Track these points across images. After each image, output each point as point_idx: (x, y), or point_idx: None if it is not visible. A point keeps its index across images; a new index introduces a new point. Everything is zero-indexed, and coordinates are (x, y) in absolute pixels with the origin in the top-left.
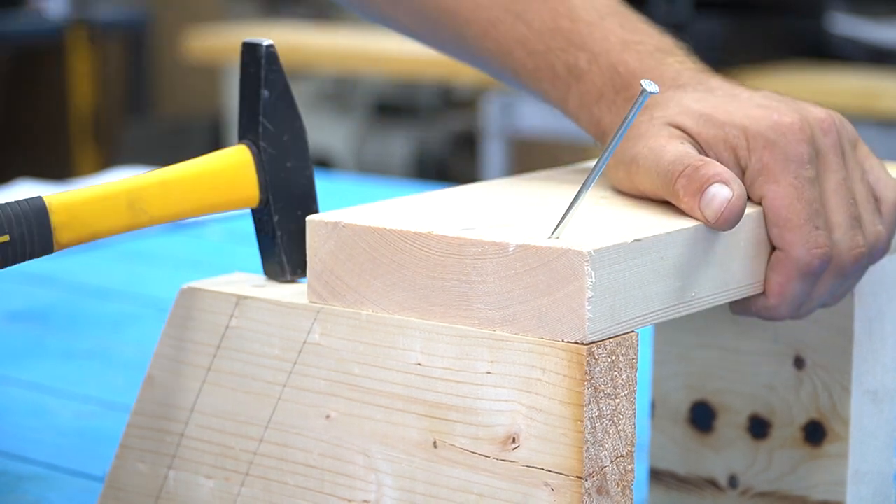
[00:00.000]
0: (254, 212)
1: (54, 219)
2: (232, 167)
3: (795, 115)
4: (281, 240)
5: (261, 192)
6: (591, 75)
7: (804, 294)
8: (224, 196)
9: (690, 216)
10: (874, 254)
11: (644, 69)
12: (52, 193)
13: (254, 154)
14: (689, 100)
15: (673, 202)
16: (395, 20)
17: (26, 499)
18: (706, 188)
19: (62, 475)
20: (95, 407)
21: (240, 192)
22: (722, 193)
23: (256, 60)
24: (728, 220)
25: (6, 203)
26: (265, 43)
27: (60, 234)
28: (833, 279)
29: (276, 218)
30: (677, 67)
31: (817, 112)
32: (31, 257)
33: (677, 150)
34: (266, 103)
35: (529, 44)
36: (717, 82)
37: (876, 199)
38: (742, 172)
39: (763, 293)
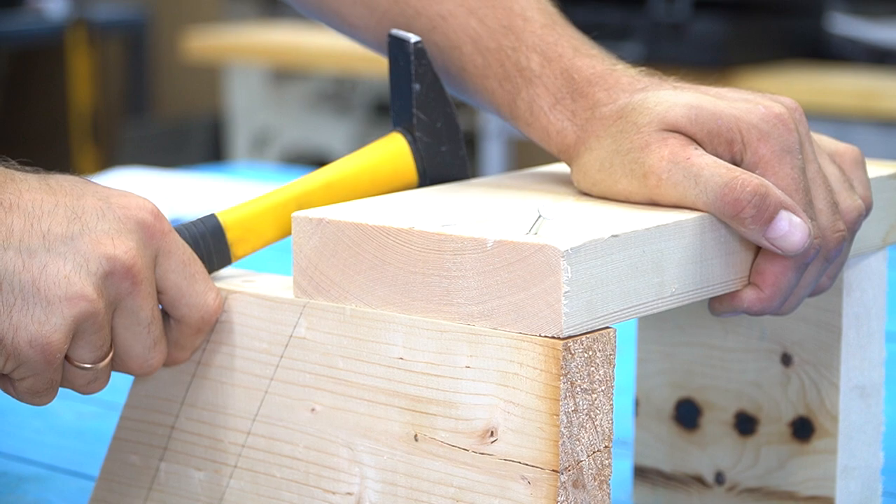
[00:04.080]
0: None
1: (230, 235)
2: (390, 158)
3: (779, 105)
4: None
5: (419, 179)
6: (544, 79)
7: (795, 284)
8: (384, 186)
9: (745, 236)
10: (854, 229)
11: (598, 75)
12: (221, 211)
13: (409, 142)
14: (668, 95)
15: (724, 220)
16: (337, 14)
17: (26, 499)
18: (774, 217)
19: (62, 476)
20: (96, 408)
21: (399, 180)
22: (795, 225)
23: (406, 55)
24: (806, 251)
25: (184, 225)
26: (412, 40)
27: (237, 248)
28: (819, 266)
29: None
30: (631, 72)
31: (789, 102)
32: (211, 272)
33: (717, 167)
34: (418, 95)
35: (481, 41)
36: (677, 84)
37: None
38: (736, 165)
39: (752, 287)
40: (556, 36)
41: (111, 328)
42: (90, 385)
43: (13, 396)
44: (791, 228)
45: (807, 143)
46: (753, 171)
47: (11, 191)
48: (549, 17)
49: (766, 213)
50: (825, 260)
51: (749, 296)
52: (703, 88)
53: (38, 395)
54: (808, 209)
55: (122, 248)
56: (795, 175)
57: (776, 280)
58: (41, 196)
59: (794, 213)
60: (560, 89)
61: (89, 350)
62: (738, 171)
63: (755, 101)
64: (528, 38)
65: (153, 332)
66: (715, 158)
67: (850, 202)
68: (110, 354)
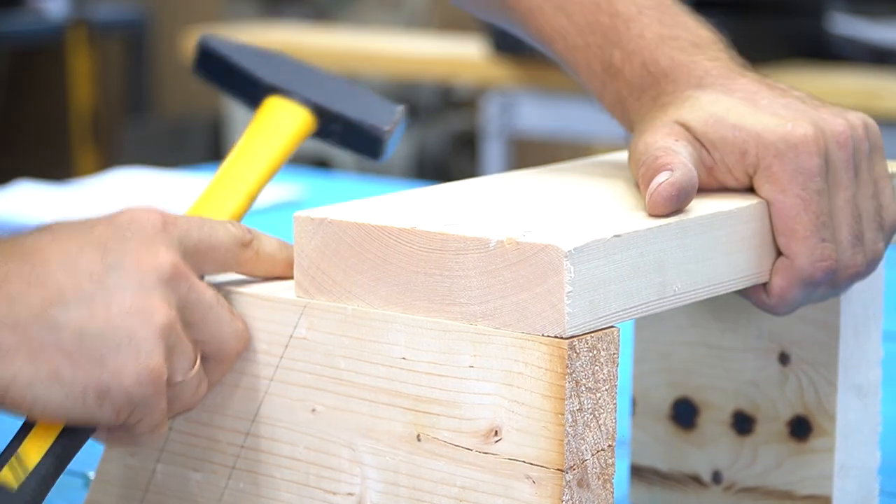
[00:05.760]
0: (318, 131)
1: None
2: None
3: (811, 126)
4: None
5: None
6: (625, 73)
7: (804, 299)
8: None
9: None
10: (871, 269)
11: (675, 66)
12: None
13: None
14: (706, 100)
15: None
16: None
17: None
18: (654, 176)
19: (64, 476)
20: None
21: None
22: (660, 178)
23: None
24: (657, 204)
25: None
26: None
27: None
28: (826, 290)
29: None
30: (707, 65)
31: (836, 125)
32: None
33: (655, 142)
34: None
35: (569, 37)
36: (742, 83)
37: (881, 219)
38: (749, 177)
39: (764, 287)
40: (640, 28)
41: (190, 328)
42: (198, 390)
43: (128, 445)
44: (658, 180)
45: (842, 170)
46: (764, 185)
47: (32, 253)
48: (636, 8)
49: (650, 172)
50: (833, 286)
51: (759, 295)
52: (760, 96)
53: (158, 429)
54: (821, 231)
55: (161, 255)
56: (806, 196)
57: (782, 293)
58: (63, 245)
59: (672, 170)
60: (636, 81)
61: (182, 359)
62: (666, 146)
63: (790, 117)
64: (612, 35)
65: (224, 306)
66: (669, 143)
67: (872, 244)
68: (199, 353)
